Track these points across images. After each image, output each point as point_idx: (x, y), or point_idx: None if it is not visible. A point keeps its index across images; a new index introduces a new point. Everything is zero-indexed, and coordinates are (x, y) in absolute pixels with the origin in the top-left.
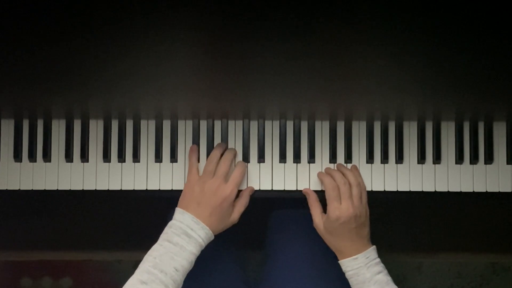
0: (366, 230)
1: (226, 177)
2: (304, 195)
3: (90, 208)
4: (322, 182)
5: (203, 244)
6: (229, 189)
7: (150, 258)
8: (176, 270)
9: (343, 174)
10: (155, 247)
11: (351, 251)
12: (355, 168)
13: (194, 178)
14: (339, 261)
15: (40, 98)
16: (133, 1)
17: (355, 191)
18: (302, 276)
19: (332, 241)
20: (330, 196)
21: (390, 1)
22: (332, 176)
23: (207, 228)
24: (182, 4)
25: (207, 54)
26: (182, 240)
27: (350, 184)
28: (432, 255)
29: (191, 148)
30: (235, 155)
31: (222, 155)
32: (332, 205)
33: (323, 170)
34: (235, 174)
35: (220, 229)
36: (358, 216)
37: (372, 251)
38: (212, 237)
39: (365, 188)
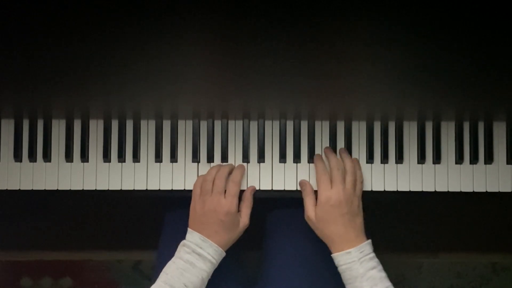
0: (359, 220)
1: (223, 192)
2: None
3: (90, 208)
4: (315, 165)
5: (214, 261)
6: (227, 202)
7: (163, 274)
8: (185, 286)
9: (343, 160)
10: (169, 263)
11: (344, 243)
12: (356, 161)
13: (195, 198)
14: (332, 255)
15: (40, 98)
16: (133, 2)
17: (349, 177)
18: (300, 276)
19: (324, 229)
20: (320, 178)
21: (391, 1)
22: (328, 159)
23: (215, 245)
24: (181, 5)
25: (208, 54)
26: (192, 257)
27: (345, 171)
28: (432, 255)
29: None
30: (230, 169)
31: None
32: (321, 187)
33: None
34: (229, 186)
35: (233, 239)
36: (349, 201)
37: (366, 246)
38: (223, 254)
39: (362, 181)
